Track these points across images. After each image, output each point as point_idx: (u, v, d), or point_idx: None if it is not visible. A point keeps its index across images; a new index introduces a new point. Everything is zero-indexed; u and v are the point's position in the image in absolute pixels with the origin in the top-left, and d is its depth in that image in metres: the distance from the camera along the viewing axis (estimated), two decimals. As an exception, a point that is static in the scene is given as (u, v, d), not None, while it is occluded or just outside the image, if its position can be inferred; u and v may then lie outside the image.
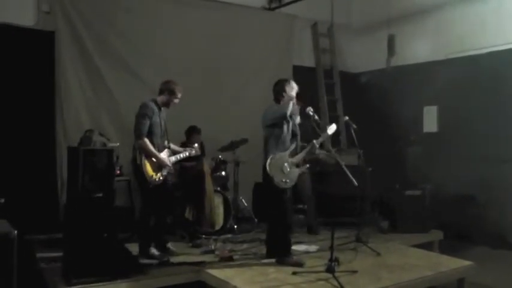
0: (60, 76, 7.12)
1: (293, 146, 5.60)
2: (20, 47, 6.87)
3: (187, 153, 6.14)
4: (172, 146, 5.97)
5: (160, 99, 5.80)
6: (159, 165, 5.65)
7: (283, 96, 5.72)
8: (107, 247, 4.89)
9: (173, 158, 5.89)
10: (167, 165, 5.72)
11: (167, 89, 5.79)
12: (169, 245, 5.98)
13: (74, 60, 7.22)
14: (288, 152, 5.52)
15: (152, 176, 5.57)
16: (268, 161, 5.38)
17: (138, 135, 5.54)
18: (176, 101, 5.83)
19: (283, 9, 9.35)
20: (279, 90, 5.77)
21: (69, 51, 7.18)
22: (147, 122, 5.57)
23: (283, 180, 5.43)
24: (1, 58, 6.71)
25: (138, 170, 5.55)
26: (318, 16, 9.90)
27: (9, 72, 6.77)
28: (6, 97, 6.74)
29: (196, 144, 6.37)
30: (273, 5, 9.32)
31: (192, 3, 8.24)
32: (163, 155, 5.73)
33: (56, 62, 7.11)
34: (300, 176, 5.83)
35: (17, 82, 6.82)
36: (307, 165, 5.74)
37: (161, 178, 5.67)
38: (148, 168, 5.56)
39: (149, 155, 5.56)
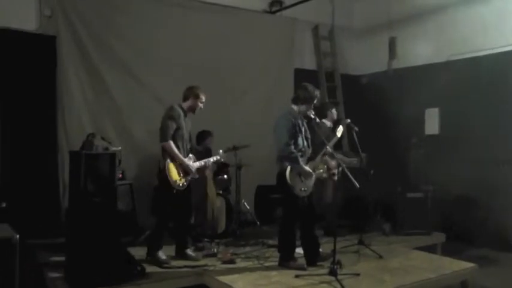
0: (61, 80, 7.13)
1: (309, 151, 5.61)
2: (22, 51, 6.88)
3: (215, 158, 6.18)
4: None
5: (186, 104, 5.80)
6: (183, 170, 5.66)
7: (299, 103, 5.64)
8: (109, 251, 4.89)
9: (197, 164, 5.89)
10: (192, 171, 5.73)
11: (192, 94, 5.79)
12: (189, 250, 5.95)
13: (76, 65, 7.23)
14: (305, 159, 5.52)
15: (176, 181, 5.58)
16: (288, 172, 5.37)
17: (163, 137, 5.54)
18: (201, 105, 5.84)
19: (284, 13, 9.36)
20: (306, 97, 5.62)
21: (71, 55, 7.18)
22: (173, 125, 5.57)
23: (302, 188, 5.44)
24: (3, 62, 6.72)
25: (161, 174, 5.55)
26: (319, 19, 9.91)
27: (12, 76, 6.77)
28: (8, 101, 6.74)
29: (221, 151, 6.39)
30: (274, 8, 9.33)
31: (193, 6, 8.24)
32: (188, 160, 5.75)
33: (57, 66, 7.12)
34: (322, 183, 5.90)
35: (19, 86, 6.83)
36: (335, 177, 5.77)
37: (185, 184, 5.68)
38: (173, 173, 5.56)
39: (174, 159, 5.56)
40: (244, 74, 8.74)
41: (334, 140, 5.88)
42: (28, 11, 7.00)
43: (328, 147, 5.60)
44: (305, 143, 5.61)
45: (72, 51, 7.19)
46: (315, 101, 5.63)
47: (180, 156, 5.63)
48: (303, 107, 5.60)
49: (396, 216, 7.62)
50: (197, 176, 5.93)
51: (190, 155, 5.84)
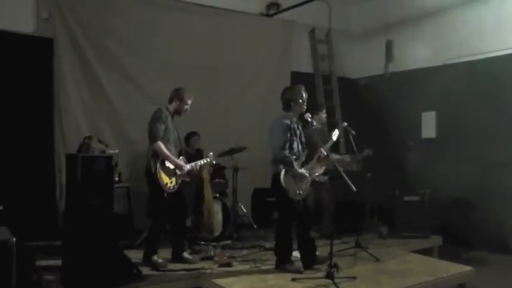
0: (58, 83, 7.12)
1: (304, 155, 5.60)
2: (19, 53, 6.87)
3: (204, 161, 6.17)
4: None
5: (172, 107, 5.78)
6: (173, 172, 5.63)
7: (291, 106, 5.62)
8: (106, 254, 4.88)
9: (188, 166, 5.86)
10: (183, 167, 5.70)
11: (177, 96, 5.77)
12: (186, 253, 5.94)
13: (73, 67, 7.22)
14: (299, 163, 5.50)
15: (167, 183, 5.55)
16: (282, 175, 5.36)
17: (153, 139, 5.49)
18: (187, 107, 5.81)
19: (281, 16, 9.37)
20: (293, 96, 5.61)
21: (68, 57, 7.18)
22: (162, 127, 5.53)
23: (297, 192, 5.43)
24: (0, 65, 6.70)
25: (153, 179, 5.50)
26: (315, 22, 9.93)
27: (8, 78, 6.76)
28: (5, 104, 6.73)
29: (211, 153, 6.38)
30: (271, 11, 9.34)
31: (190, 9, 8.25)
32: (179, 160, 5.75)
33: (54, 69, 7.11)
34: (319, 185, 6.03)
35: (16, 89, 6.82)
36: (327, 177, 5.95)
37: (175, 186, 5.66)
38: (164, 176, 5.53)
39: (165, 159, 5.52)
40: (241, 77, 8.75)
41: (329, 144, 5.88)
42: (25, 14, 6.99)
43: (323, 150, 5.62)
44: (300, 147, 5.62)
45: (69, 54, 7.19)
46: (304, 98, 5.60)
47: (172, 156, 5.61)
48: (295, 108, 5.61)
49: (393, 219, 7.63)
50: (188, 179, 5.91)
51: (181, 157, 5.84)
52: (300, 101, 5.59)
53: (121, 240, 5.70)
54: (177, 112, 5.80)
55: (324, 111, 7.30)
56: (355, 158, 6.90)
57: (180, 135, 5.96)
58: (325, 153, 5.63)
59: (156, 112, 5.64)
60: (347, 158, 6.84)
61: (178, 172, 5.69)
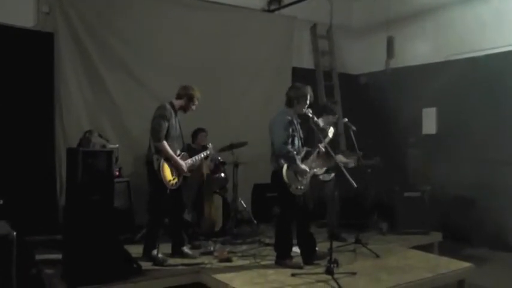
0: (59, 77, 7.10)
1: (303, 151, 5.60)
2: (19, 48, 6.86)
3: (204, 154, 6.18)
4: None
5: (178, 103, 5.78)
6: (176, 169, 5.65)
7: (293, 104, 5.64)
8: (106, 249, 4.89)
9: (189, 161, 5.87)
10: (184, 171, 5.72)
11: (186, 95, 5.76)
12: (186, 248, 5.95)
13: (74, 62, 7.20)
14: (299, 158, 5.49)
15: (170, 181, 5.57)
16: (284, 170, 5.36)
17: (157, 138, 5.51)
18: (194, 107, 5.83)
19: (283, 11, 9.35)
20: (298, 96, 5.61)
21: (69, 52, 7.16)
22: (165, 124, 5.54)
23: (299, 187, 5.44)
24: (0, 59, 6.69)
25: (155, 175, 5.52)
26: (317, 18, 9.90)
27: (8, 73, 6.75)
28: (5, 98, 6.72)
29: (210, 144, 6.40)
30: (273, 7, 9.32)
31: (191, 4, 8.23)
32: (181, 159, 5.74)
33: (55, 63, 7.10)
34: (325, 182, 6.24)
35: (16, 83, 6.81)
36: (333, 175, 6.20)
37: (178, 183, 5.68)
38: (167, 173, 5.54)
39: (168, 159, 5.54)
40: (242, 73, 8.72)
41: (326, 140, 5.87)
42: (26, 8, 6.98)
43: (321, 146, 5.62)
44: (300, 143, 5.62)
45: (70, 48, 7.17)
46: (308, 98, 5.62)
47: (175, 156, 5.62)
48: (297, 107, 5.61)
49: (393, 216, 7.63)
50: (189, 174, 5.92)
51: (183, 153, 5.84)
52: (303, 102, 5.59)
53: (121, 234, 5.69)
54: (183, 109, 5.81)
55: (337, 116, 7.04)
56: (358, 155, 6.88)
57: (182, 131, 5.95)
58: (323, 150, 5.63)
59: (160, 109, 5.64)
60: (351, 163, 6.81)
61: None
